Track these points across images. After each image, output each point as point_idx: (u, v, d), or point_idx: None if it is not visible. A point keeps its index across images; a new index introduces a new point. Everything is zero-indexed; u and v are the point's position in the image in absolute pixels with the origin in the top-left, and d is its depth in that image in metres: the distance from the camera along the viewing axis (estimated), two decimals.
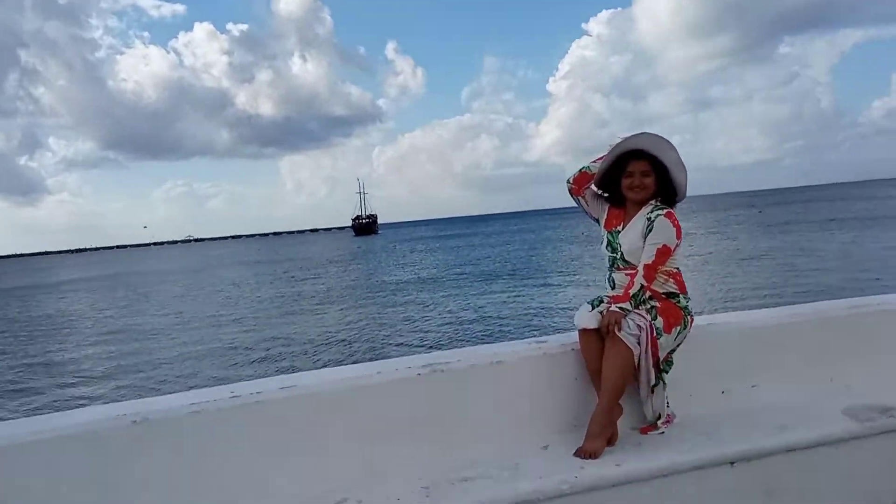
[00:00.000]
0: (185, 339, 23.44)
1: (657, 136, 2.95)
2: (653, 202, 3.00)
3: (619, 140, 2.99)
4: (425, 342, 20.09)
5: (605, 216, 3.15)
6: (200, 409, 2.48)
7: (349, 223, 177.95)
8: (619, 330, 2.77)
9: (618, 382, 2.79)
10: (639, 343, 2.79)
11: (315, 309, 29.56)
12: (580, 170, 3.17)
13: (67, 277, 79.55)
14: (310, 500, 2.47)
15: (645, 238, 2.91)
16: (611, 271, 3.06)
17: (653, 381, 2.87)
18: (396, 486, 2.53)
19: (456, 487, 2.52)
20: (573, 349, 2.99)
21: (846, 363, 3.25)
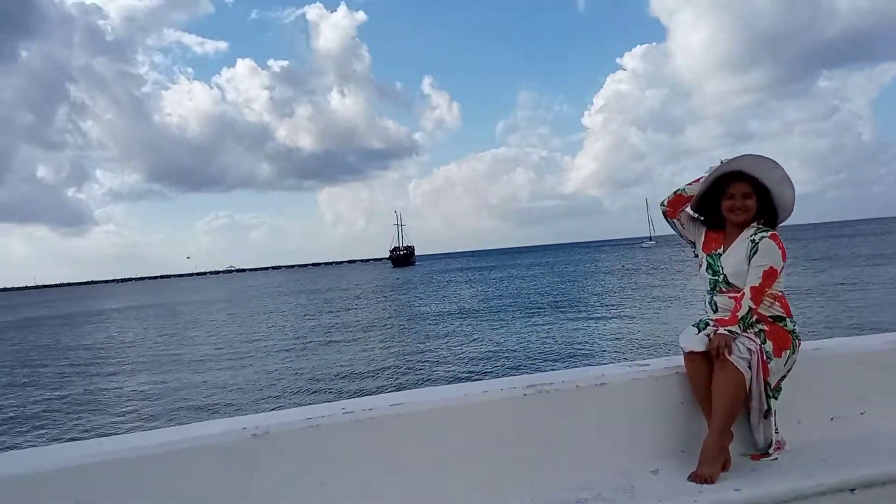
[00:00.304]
0: (233, 365, 23.77)
1: (759, 156, 2.92)
2: (755, 224, 2.96)
3: (721, 161, 2.97)
4: (472, 371, 20.02)
5: (702, 239, 3.11)
6: (318, 424, 2.49)
7: (386, 254, 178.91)
8: (730, 353, 2.72)
9: (730, 407, 2.73)
10: (749, 367, 2.74)
11: (360, 338, 29.73)
12: (675, 192, 3.14)
13: (115, 306, 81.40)
14: None
15: (749, 260, 2.87)
16: (712, 294, 3.01)
17: (764, 407, 2.81)
18: None
19: None
20: (678, 372, 2.95)
21: None
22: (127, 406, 18.15)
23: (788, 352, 2.83)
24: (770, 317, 2.87)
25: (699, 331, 2.88)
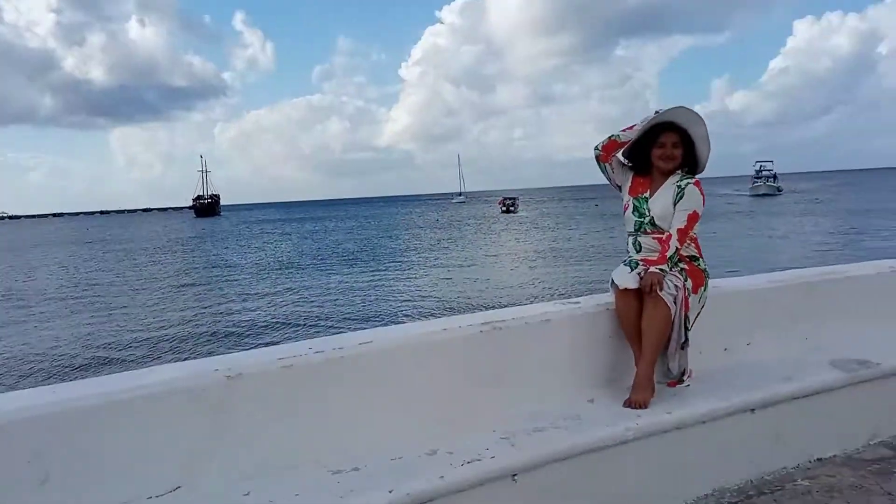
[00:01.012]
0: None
1: (691, 110, 3.19)
2: (679, 172, 3.24)
3: (656, 112, 3.20)
4: (297, 328, 19.83)
5: (629, 184, 3.34)
6: (291, 364, 2.42)
7: (187, 203, 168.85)
8: (661, 290, 2.99)
9: (660, 338, 3.01)
10: (675, 302, 3.03)
11: (167, 296, 28.09)
12: (609, 137, 3.33)
13: None
14: (401, 451, 2.48)
15: (675, 205, 3.15)
16: (636, 235, 3.26)
17: (682, 339, 3.12)
18: (479, 437, 2.61)
19: (534, 437, 2.63)
20: (607, 309, 3.19)
21: (817, 323, 3.69)
22: None
23: (703, 288, 3.17)
24: (688, 256, 3.19)
25: (631, 270, 3.13)
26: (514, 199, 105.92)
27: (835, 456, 3.21)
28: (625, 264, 3.21)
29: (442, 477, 2.33)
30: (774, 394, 3.10)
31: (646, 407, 2.91)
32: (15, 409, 2.01)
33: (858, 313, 3.75)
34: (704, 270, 3.22)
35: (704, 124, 3.20)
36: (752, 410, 3.05)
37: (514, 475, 2.47)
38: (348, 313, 21.98)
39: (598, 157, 3.37)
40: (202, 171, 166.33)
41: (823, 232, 42.26)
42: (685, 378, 3.19)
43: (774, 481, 3.02)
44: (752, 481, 3.01)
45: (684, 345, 3.13)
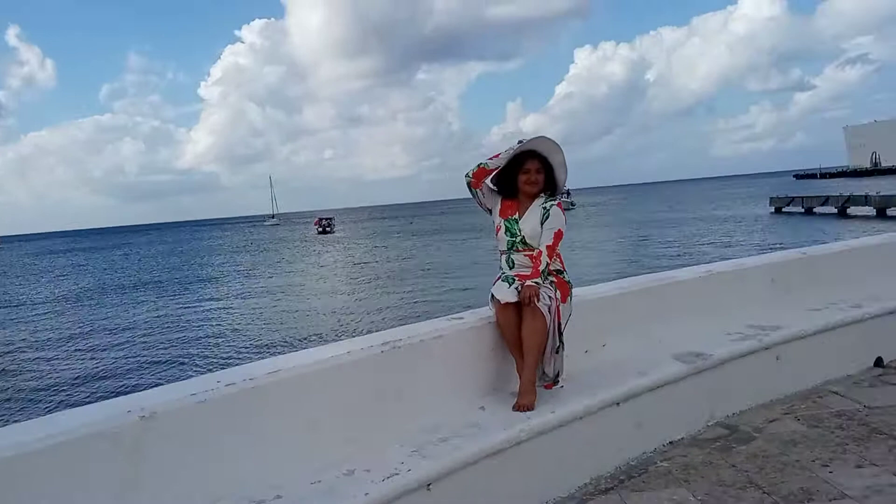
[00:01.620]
0: None
1: (551, 140, 3.53)
2: (543, 195, 3.57)
3: (519, 141, 3.51)
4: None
5: (499, 207, 3.62)
6: (204, 399, 2.38)
7: None
8: (539, 301, 3.28)
9: (540, 345, 3.29)
10: (549, 311, 3.34)
11: None
12: (478, 165, 3.59)
13: None
14: (319, 475, 2.53)
15: (542, 224, 3.47)
16: (509, 253, 3.54)
17: (556, 344, 3.43)
18: (391, 452, 2.72)
19: (441, 447, 2.79)
20: (489, 322, 3.43)
21: (658, 322, 4.19)
22: None
23: (569, 298, 3.51)
24: (554, 270, 3.51)
25: (509, 285, 3.39)
26: (330, 219, 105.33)
27: (682, 438, 3.67)
28: (502, 280, 3.47)
29: (367, 494, 2.41)
30: (633, 387, 3.50)
31: (532, 409, 3.17)
32: None
33: (688, 311, 4.31)
34: (569, 282, 3.57)
35: (562, 152, 3.56)
36: (618, 404, 3.43)
37: (429, 485, 2.61)
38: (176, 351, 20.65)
39: (469, 184, 3.61)
40: None
41: (615, 242, 46.67)
42: (559, 380, 3.50)
43: (639, 465, 3.41)
44: (621, 467, 3.38)
45: (559, 349, 3.44)
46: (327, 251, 61.47)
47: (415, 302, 27.09)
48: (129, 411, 2.22)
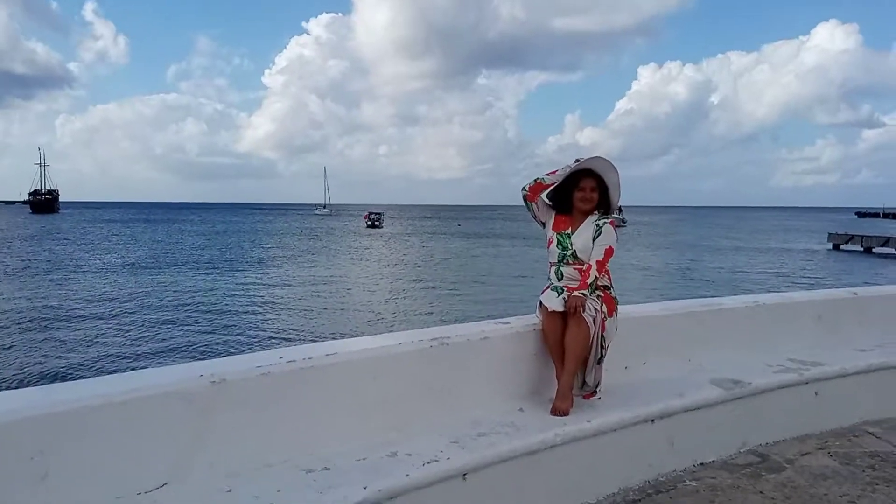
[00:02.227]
0: None
1: (607, 160, 3.66)
2: (596, 213, 3.69)
3: (577, 160, 3.64)
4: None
5: (552, 221, 3.76)
6: (268, 372, 2.58)
7: (21, 197, 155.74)
8: (584, 311, 3.41)
9: (582, 353, 3.42)
10: (594, 323, 3.46)
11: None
12: (535, 180, 3.74)
13: None
14: (365, 453, 2.70)
15: (594, 240, 3.60)
16: (559, 265, 3.67)
17: (598, 356, 3.55)
18: (431, 440, 2.88)
19: (479, 441, 2.94)
20: (534, 329, 3.57)
21: (699, 347, 4.27)
22: None
23: (615, 312, 3.62)
24: (602, 285, 3.63)
25: (558, 295, 3.52)
26: (379, 214, 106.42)
27: (713, 461, 3.75)
28: (551, 290, 3.60)
29: (407, 475, 2.58)
30: (669, 406, 3.60)
31: (567, 414, 3.30)
32: (18, 409, 2.06)
33: (731, 339, 4.38)
34: (616, 298, 3.69)
35: (617, 173, 3.67)
36: (652, 421, 3.53)
37: (465, 475, 2.77)
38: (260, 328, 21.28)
39: (525, 197, 3.76)
40: (41, 164, 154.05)
41: (663, 263, 46.04)
42: (598, 391, 3.62)
43: (668, 482, 3.50)
44: (650, 481, 3.48)
45: (600, 360, 3.56)
46: (374, 245, 62.21)
47: (452, 307, 27.25)
48: (202, 375, 2.43)
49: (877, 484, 3.46)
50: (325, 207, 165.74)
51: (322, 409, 2.75)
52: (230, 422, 2.48)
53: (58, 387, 2.30)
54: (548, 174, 3.71)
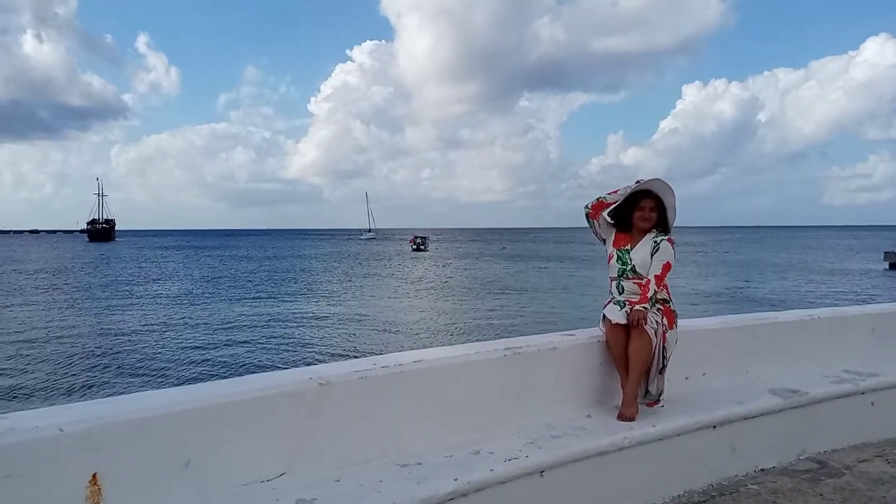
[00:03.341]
0: None
1: (665, 182, 3.90)
2: (654, 230, 3.93)
3: (637, 181, 3.89)
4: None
5: (612, 238, 4.01)
6: (365, 376, 2.89)
7: (78, 226, 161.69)
8: (646, 323, 3.64)
9: (644, 363, 3.65)
10: (655, 335, 3.69)
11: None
12: (598, 199, 4.00)
13: None
14: (451, 451, 2.98)
15: (652, 256, 3.83)
16: (619, 280, 3.91)
17: (660, 365, 3.77)
18: (511, 441, 3.15)
19: (555, 442, 3.20)
20: (599, 340, 3.81)
21: (756, 358, 4.45)
22: None
23: (675, 325, 3.84)
24: (661, 299, 3.86)
25: (620, 308, 3.77)
26: (424, 237, 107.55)
27: (774, 467, 3.92)
28: (613, 304, 3.85)
29: (492, 470, 2.85)
30: (730, 414, 3.79)
31: (634, 420, 3.53)
32: (166, 405, 2.40)
33: (787, 352, 4.54)
34: (675, 311, 3.91)
35: (674, 195, 3.91)
36: (714, 427, 3.73)
37: (542, 471, 3.02)
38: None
39: (587, 215, 4.02)
40: (99, 194, 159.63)
41: (712, 286, 45.37)
42: (661, 399, 3.83)
43: (730, 486, 3.69)
44: (713, 485, 3.67)
45: (662, 370, 3.78)
46: (422, 267, 62.91)
47: (508, 322, 27.52)
48: (311, 378, 2.76)
49: None
50: (369, 231, 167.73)
51: (411, 410, 3.04)
52: (334, 420, 2.79)
53: (194, 387, 2.65)
54: (609, 193, 3.97)
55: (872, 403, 4.32)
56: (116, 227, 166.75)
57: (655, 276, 3.78)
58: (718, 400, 3.94)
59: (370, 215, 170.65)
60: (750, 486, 3.69)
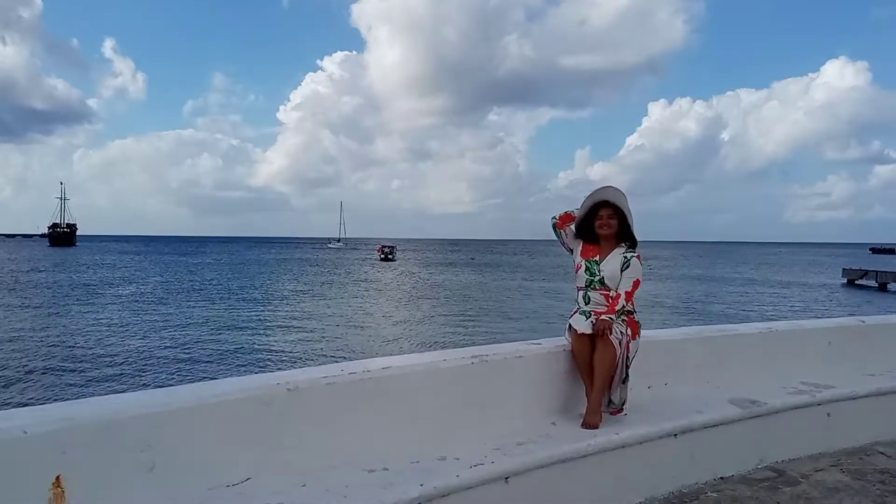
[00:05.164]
0: None
1: (616, 189, 3.99)
2: (623, 245, 4.00)
3: (591, 192, 3.98)
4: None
5: (580, 248, 4.08)
6: (333, 382, 2.90)
7: (38, 230, 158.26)
8: (611, 333, 3.71)
9: (609, 373, 3.72)
10: (620, 345, 3.76)
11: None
12: (565, 211, 4.08)
13: None
14: (417, 456, 3.00)
15: (622, 271, 3.91)
16: (587, 290, 3.98)
17: (623, 375, 3.84)
18: (476, 447, 3.18)
19: (520, 449, 3.24)
20: (564, 349, 3.87)
21: (716, 369, 4.55)
22: None
23: (638, 335, 3.92)
24: (626, 311, 3.94)
25: (586, 318, 3.83)
26: (392, 247, 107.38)
27: (733, 475, 4.00)
28: (579, 314, 3.91)
29: (458, 476, 2.88)
30: (690, 423, 3.88)
31: (597, 428, 3.59)
32: (132, 408, 2.39)
33: (746, 363, 4.65)
34: (639, 322, 3.99)
35: (625, 196, 3.99)
36: (675, 436, 3.80)
37: (507, 478, 3.06)
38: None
39: (554, 225, 4.10)
40: (61, 198, 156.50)
41: (676, 297, 46.07)
42: (624, 408, 3.90)
43: (690, 493, 3.77)
44: (673, 492, 3.74)
45: (625, 380, 3.85)
46: (387, 277, 62.85)
47: (473, 330, 27.57)
48: (279, 383, 2.76)
49: (886, 497, 3.71)
50: (338, 241, 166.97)
51: (378, 416, 3.06)
52: (301, 425, 2.79)
53: (161, 391, 2.63)
54: (577, 209, 4.05)
55: (829, 415, 4.45)
56: (78, 232, 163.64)
57: (626, 292, 3.85)
58: (680, 409, 4.02)
59: (342, 225, 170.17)
60: (709, 493, 3.77)
